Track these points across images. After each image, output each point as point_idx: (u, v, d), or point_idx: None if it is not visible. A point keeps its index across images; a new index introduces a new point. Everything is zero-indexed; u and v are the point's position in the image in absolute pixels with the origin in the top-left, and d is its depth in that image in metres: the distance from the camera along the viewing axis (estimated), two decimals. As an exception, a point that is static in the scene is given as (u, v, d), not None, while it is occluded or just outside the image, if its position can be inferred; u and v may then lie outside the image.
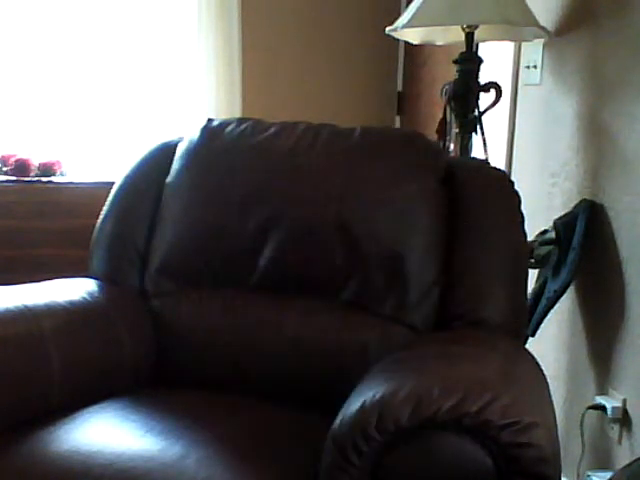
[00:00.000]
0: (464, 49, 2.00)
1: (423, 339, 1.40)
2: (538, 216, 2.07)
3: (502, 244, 1.47)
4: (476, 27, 1.98)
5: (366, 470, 1.03)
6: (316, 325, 1.48)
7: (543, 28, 1.93)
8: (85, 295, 1.51)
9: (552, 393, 2.00)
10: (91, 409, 1.32)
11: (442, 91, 2.08)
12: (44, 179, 2.79)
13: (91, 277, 1.64)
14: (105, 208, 1.69)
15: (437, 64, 2.92)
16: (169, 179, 1.64)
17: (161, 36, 3.10)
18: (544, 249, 1.91)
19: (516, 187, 1.54)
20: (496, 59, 2.36)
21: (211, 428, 1.24)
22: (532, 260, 1.94)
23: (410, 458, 1.02)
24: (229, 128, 1.64)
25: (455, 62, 2.03)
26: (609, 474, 1.64)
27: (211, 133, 1.64)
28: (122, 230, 1.64)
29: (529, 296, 1.92)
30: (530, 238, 1.92)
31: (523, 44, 2.21)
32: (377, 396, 1.04)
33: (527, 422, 0.99)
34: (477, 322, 1.43)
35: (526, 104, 2.20)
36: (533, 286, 1.95)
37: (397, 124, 3.43)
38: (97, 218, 1.70)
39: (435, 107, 2.91)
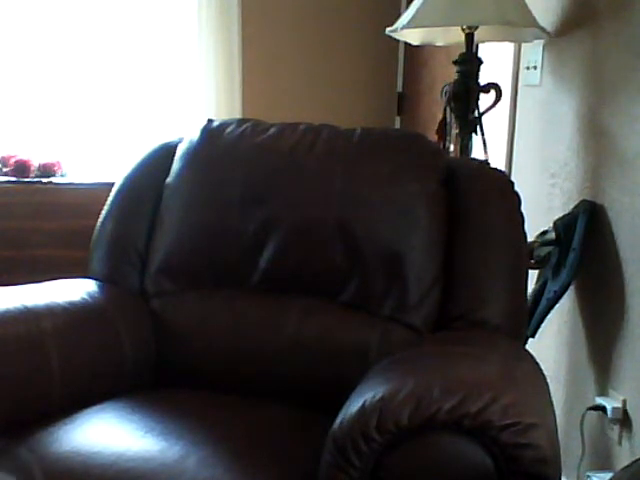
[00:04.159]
0: (464, 50, 2.00)
1: (423, 339, 1.40)
2: (538, 217, 2.07)
3: (502, 245, 1.47)
4: (476, 28, 1.98)
5: (366, 470, 1.03)
6: (316, 325, 1.48)
7: (543, 29, 1.93)
8: (85, 296, 1.51)
9: (552, 394, 2.00)
10: (91, 410, 1.32)
11: (442, 92, 2.09)
12: (44, 180, 2.79)
13: (91, 277, 1.64)
14: (105, 209, 1.69)
15: (437, 65, 2.92)
16: (169, 180, 1.64)
17: (161, 37, 3.10)
18: (544, 250, 1.91)
19: (516, 188, 1.54)
20: (496, 60, 2.36)
21: (211, 428, 1.24)
22: (532, 261, 1.94)
23: (410, 459, 1.02)
24: (229, 129, 1.64)
25: (455, 63, 2.03)
26: (609, 475, 1.64)
27: (211, 134, 1.64)
28: (122, 231, 1.64)
29: (529, 297, 1.92)
30: (530, 239, 1.92)
31: (523, 45, 2.21)
32: (377, 396, 1.04)
33: (527, 423, 0.99)
34: (477, 323, 1.43)
35: (526, 105, 2.20)
36: (533, 287, 1.95)
37: (397, 125, 3.43)
38: (97, 219, 1.70)
39: (435, 108, 2.91)
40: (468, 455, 1.00)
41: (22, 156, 2.83)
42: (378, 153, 1.53)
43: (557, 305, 1.86)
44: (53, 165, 2.84)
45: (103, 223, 1.67)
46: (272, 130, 1.62)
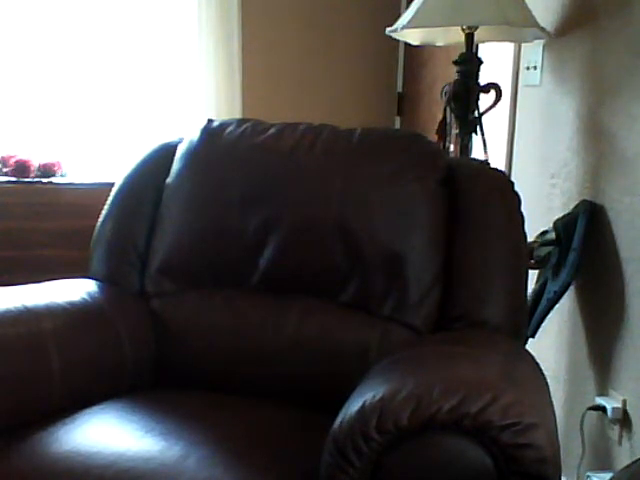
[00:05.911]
0: (464, 50, 2.00)
1: (423, 339, 1.40)
2: (538, 217, 2.07)
3: (502, 245, 1.47)
4: (476, 28, 1.98)
5: (366, 471, 1.03)
6: (316, 325, 1.48)
7: (543, 29, 1.93)
8: (85, 296, 1.51)
9: (552, 393, 2.00)
10: (91, 410, 1.33)
11: (442, 92, 2.09)
12: (44, 180, 2.79)
13: (91, 278, 1.64)
14: (105, 209, 1.69)
15: (437, 65, 2.92)
16: (169, 180, 1.64)
17: (161, 37, 3.10)
18: (544, 250, 1.91)
19: (516, 188, 1.54)
20: (496, 60, 2.36)
21: (211, 428, 1.24)
22: (532, 261, 1.94)
23: (410, 459, 1.02)
24: (229, 129, 1.64)
25: (455, 63, 2.03)
26: (609, 475, 1.64)
27: (211, 134, 1.64)
28: (122, 231, 1.64)
29: (529, 297, 1.92)
30: (530, 239, 1.92)
31: (523, 45, 2.21)
32: (377, 397, 1.04)
33: (527, 423, 0.99)
34: (477, 323, 1.43)
35: (526, 105, 2.20)
36: (533, 287, 1.95)
37: (397, 125, 3.43)
38: (97, 219, 1.71)
39: (435, 108, 2.91)
40: (468, 455, 1.00)
41: (22, 156, 2.83)
42: (378, 153, 1.53)
43: (557, 305, 1.86)
44: (53, 165, 2.84)
45: (103, 223, 1.67)
46: (272, 130, 1.62)
